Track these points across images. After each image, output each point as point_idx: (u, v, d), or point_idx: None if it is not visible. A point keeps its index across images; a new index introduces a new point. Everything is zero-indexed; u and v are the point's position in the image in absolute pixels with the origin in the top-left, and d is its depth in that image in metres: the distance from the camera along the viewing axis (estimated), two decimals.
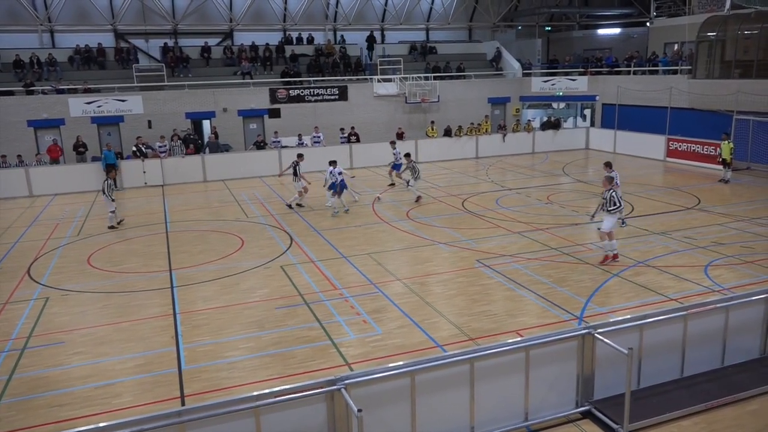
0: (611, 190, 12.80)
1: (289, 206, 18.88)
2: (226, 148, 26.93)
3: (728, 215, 16.54)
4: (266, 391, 6.13)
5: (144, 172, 23.94)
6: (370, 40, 34.19)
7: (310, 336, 9.81)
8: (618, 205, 12.72)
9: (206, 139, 26.91)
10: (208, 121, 28.21)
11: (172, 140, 25.25)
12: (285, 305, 11.10)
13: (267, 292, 11.76)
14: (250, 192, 22.09)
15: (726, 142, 21.45)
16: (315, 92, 29.29)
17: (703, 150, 24.29)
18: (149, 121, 26.83)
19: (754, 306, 8.36)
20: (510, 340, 7.12)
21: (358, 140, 27.27)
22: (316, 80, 30.18)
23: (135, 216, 18.73)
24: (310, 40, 33.89)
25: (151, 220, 18.07)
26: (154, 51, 31.44)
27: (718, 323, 8.18)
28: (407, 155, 19.98)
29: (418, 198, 19.32)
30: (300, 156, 19.04)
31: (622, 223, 15.26)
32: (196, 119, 28.02)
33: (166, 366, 8.99)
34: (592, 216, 13.97)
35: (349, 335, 9.78)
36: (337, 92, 29.56)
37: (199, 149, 25.85)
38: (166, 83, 27.87)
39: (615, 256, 12.91)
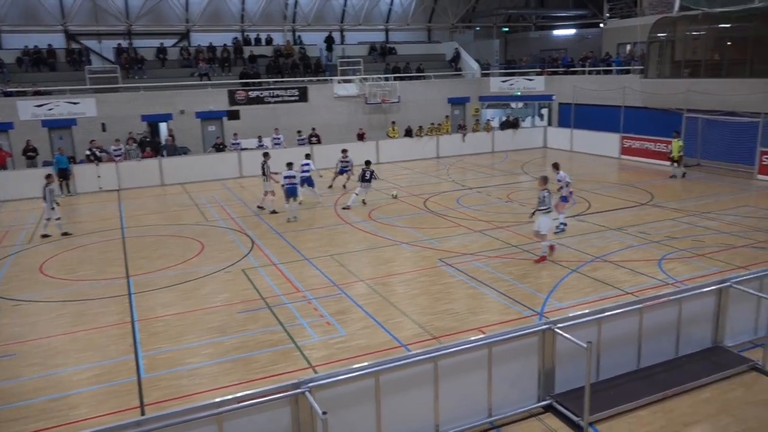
0: (545, 190, 13.05)
1: (260, 208, 18.59)
2: (184, 151, 26.44)
3: (680, 210, 17.08)
4: (229, 397, 6.04)
5: (98, 176, 23.30)
6: (329, 41, 34.08)
7: (272, 340, 9.71)
8: (548, 205, 12.97)
9: (163, 142, 26.36)
10: (164, 123, 27.63)
11: (127, 143, 24.65)
12: (247, 309, 10.96)
13: (228, 297, 11.59)
14: (209, 195, 21.74)
15: (676, 140, 22.16)
16: (274, 93, 29.02)
17: (655, 147, 25.03)
18: (103, 124, 26.12)
19: (706, 297, 8.65)
20: (473, 338, 7.19)
21: (319, 141, 27.14)
22: (276, 81, 29.91)
23: (89, 222, 18.21)
24: (269, 41, 33.56)
25: (106, 226, 17.61)
26: (108, 52, 30.63)
27: (672, 315, 8.43)
28: (368, 162, 19.52)
29: (347, 207, 18.38)
30: (266, 155, 18.62)
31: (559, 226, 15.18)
32: (153, 122, 27.41)
33: (124, 375, 8.77)
34: (531, 215, 14.12)
35: (313, 337, 9.72)
36: (297, 93, 29.36)
37: (158, 152, 25.30)
38: (120, 85, 27.19)
39: (543, 258, 13.08)
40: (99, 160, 23.45)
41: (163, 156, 24.92)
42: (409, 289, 11.79)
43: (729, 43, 24.25)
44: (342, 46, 34.83)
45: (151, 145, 25.32)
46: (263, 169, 18.25)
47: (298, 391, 6.17)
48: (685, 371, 8.21)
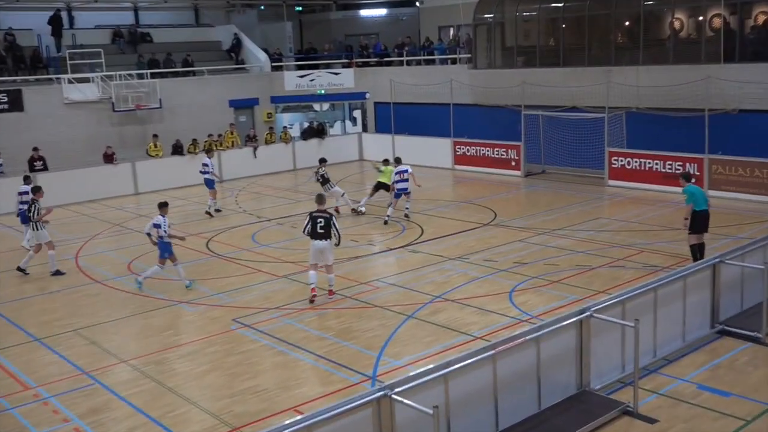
0: (319, 213, 13.80)
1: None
2: None
3: (528, 229, 18.79)
4: None
5: None
6: (56, 22, 32.19)
7: None
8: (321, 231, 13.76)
9: None
10: None
11: None
12: None
13: None
14: None
15: (386, 166, 21.21)
16: None
17: (493, 153, 27.30)
18: None
19: (566, 332, 9.55)
20: (287, 421, 7.17)
21: (45, 167, 25.42)
22: None
23: None
24: None
25: None
26: None
27: (529, 359, 9.17)
28: (322, 160, 21.78)
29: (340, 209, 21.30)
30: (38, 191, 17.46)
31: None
32: None
33: None
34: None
35: None
36: (7, 99, 27.32)
37: None
38: None
39: (331, 292, 14.13)
40: None
41: None
42: (195, 365, 11.53)
43: (564, 26, 27.40)
44: (71, 32, 33.17)
45: None
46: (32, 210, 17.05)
47: None
48: (551, 427, 8.95)
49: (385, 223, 19.99)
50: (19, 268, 17.07)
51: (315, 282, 13.99)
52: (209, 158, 23.08)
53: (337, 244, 14.26)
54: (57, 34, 32.13)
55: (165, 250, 15.14)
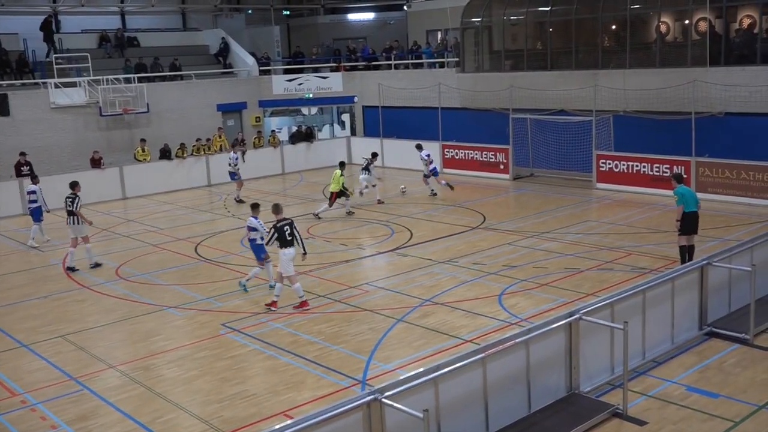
0: (283, 222, 13.70)
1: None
2: None
3: (517, 232, 18.84)
4: None
5: None
6: (47, 27, 32.04)
7: None
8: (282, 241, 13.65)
9: None
10: None
11: None
12: None
13: None
14: None
15: (338, 171, 21.74)
16: None
17: (482, 157, 27.37)
18: None
19: (555, 335, 9.59)
20: (277, 426, 7.16)
21: (32, 172, 25.26)
22: None
23: None
24: None
25: None
26: None
27: (519, 362, 9.20)
28: (375, 155, 24.17)
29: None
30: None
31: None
32: None
33: None
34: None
35: None
36: None
37: None
38: None
39: (304, 303, 13.87)
40: None
41: None
42: (184, 370, 11.49)
43: (551, 30, 27.54)
44: (58, 36, 33.06)
45: None
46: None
47: None
48: (541, 430, 8.98)
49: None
50: (73, 269, 17.36)
51: (281, 286, 13.98)
52: (234, 153, 25.62)
53: (304, 255, 14.13)
54: (49, 39, 32.00)
55: (260, 252, 14.94)
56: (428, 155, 24.21)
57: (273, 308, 13.85)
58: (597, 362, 10.11)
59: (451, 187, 23.76)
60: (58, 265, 18.07)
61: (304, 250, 14.11)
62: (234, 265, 17.03)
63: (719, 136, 21.85)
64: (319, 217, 21.48)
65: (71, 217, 17.47)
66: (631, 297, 10.47)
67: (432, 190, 24.28)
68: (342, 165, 22.33)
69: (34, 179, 20.65)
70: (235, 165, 25.13)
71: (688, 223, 14.24)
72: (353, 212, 21.87)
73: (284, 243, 13.64)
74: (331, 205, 21.67)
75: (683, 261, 14.06)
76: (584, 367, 9.90)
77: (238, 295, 14.76)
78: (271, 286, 14.81)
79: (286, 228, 13.66)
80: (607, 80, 24.14)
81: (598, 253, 16.50)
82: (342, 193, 21.59)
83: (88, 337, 13.18)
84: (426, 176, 24.31)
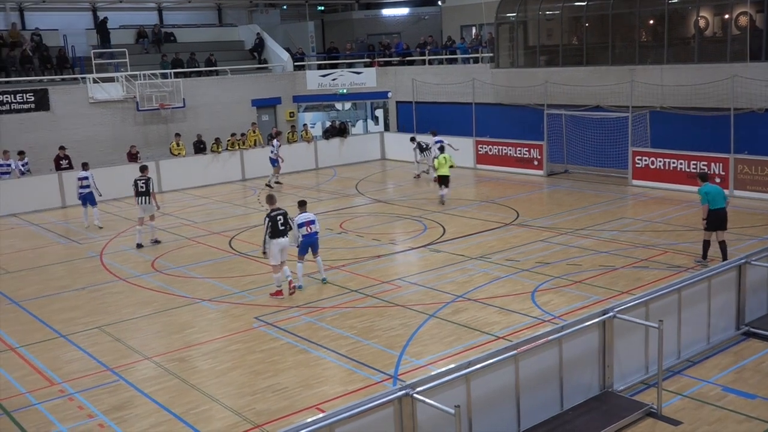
0: (276, 212, 14.19)
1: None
2: None
3: (550, 229, 18.69)
4: None
5: None
6: (102, 26, 32.61)
7: None
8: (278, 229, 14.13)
9: None
10: None
11: None
12: None
13: None
14: None
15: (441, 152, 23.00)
16: None
17: (516, 153, 27.19)
18: None
19: (588, 333, 9.51)
20: (309, 420, 7.19)
21: (70, 166, 25.71)
22: None
23: None
24: None
25: None
26: None
27: (552, 359, 9.13)
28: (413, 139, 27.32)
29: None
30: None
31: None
32: None
33: None
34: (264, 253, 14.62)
35: None
36: (33, 99, 27.65)
37: None
38: None
39: (279, 292, 14.40)
40: None
41: None
42: (217, 362, 11.58)
43: (587, 25, 27.25)
44: (97, 32, 33.46)
45: None
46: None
47: None
48: (573, 428, 8.91)
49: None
50: (140, 245, 18.94)
51: (289, 275, 14.53)
52: (278, 141, 27.28)
53: (293, 243, 14.66)
54: (104, 39, 32.57)
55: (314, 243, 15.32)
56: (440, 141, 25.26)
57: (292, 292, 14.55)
58: (631, 361, 10.01)
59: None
60: (95, 257, 18.33)
61: (295, 240, 14.64)
62: (267, 259, 17.04)
63: (759, 132, 21.42)
64: (443, 202, 22.36)
65: (142, 197, 18.72)
66: (666, 295, 10.33)
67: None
68: (435, 133, 25.12)
69: (85, 165, 21.82)
70: (276, 153, 26.74)
71: (715, 220, 14.60)
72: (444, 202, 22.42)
73: (276, 233, 14.11)
74: (447, 186, 22.57)
75: (704, 256, 14.87)
76: (618, 366, 9.81)
77: (271, 289, 14.83)
78: (324, 280, 15.23)
79: (279, 218, 14.20)
80: (643, 76, 23.83)
81: (633, 251, 16.31)
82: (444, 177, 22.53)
83: (125, 328, 13.35)
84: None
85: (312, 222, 14.90)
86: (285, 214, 14.31)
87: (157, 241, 19.24)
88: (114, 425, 9.72)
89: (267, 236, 14.12)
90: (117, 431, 9.57)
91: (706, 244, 14.86)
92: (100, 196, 21.69)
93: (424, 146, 26.40)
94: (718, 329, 11.26)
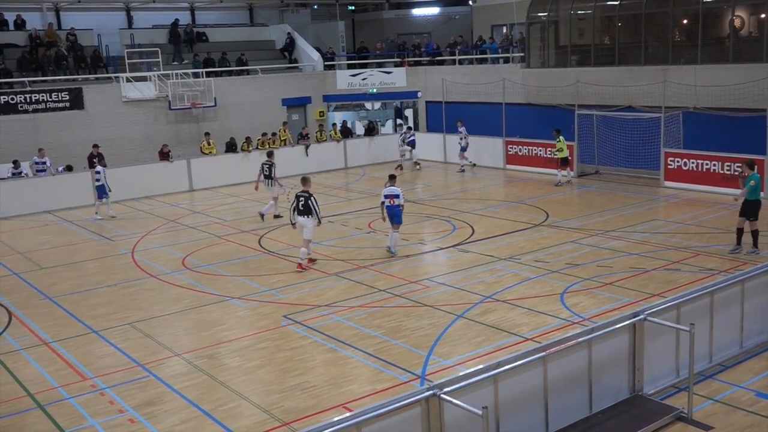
0: (305, 192, 15.85)
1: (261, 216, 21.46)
2: None
3: (580, 230, 18.53)
4: None
5: None
6: (175, 32, 33.27)
7: None
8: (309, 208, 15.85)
9: None
10: None
11: None
12: (5, 414, 10.18)
13: None
14: None
15: (560, 138, 24.43)
16: (33, 98, 27.48)
17: (546, 153, 27.02)
18: None
19: (618, 336, 9.41)
20: (336, 418, 7.21)
21: (102, 162, 26.03)
22: (34, 81, 28.36)
23: None
24: (20, 25, 31.84)
25: None
26: None
27: (581, 361, 9.06)
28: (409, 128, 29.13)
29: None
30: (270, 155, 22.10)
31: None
32: None
33: None
34: (293, 224, 16.32)
35: None
36: (68, 98, 28.06)
37: None
38: None
39: (300, 266, 16.05)
40: None
41: None
42: (246, 360, 11.64)
43: (620, 24, 27.00)
44: (130, 31, 33.90)
45: None
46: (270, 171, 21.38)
47: None
48: (602, 431, 8.82)
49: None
50: (278, 215, 21.37)
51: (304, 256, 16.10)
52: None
53: (318, 224, 16.12)
54: (176, 43, 33.15)
55: (399, 216, 16.87)
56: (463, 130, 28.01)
57: (298, 269, 15.95)
58: (662, 364, 9.89)
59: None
60: (127, 254, 18.53)
61: (319, 221, 16.09)
62: (297, 258, 17.07)
63: None
64: (561, 183, 24.46)
65: (268, 180, 21.36)
66: (698, 299, 10.19)
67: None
68: (558, 131, 24.78)
69: (101, 161, 23.68)
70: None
71: (753, 209, 15.23)
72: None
73: (297, 211, 15.92)
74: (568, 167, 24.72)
75: (738, 242, 15.61)
76: (648, 369, 9.70)
77: (300, 287, 14.88)
78: (391, 252, 16.88)
79: (301, 199, 15.81)
80: (677, 76, 23.55)
81: (664, 253, 16.12)
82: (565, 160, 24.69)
83: (155, 325, 13.45)
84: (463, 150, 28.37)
85: (396, 196, 16.72)
86: (307, 198, 15.73)
87: (277, 216, 21.32)
88: (144, 420, 9.81)
89: (291, 211, 16.19)
90: (147, 426, 9.66)
91: (741, 231, 15.53)
92: (110, 191, 22.77)
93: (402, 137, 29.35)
94: (751, 333, 11.08)
